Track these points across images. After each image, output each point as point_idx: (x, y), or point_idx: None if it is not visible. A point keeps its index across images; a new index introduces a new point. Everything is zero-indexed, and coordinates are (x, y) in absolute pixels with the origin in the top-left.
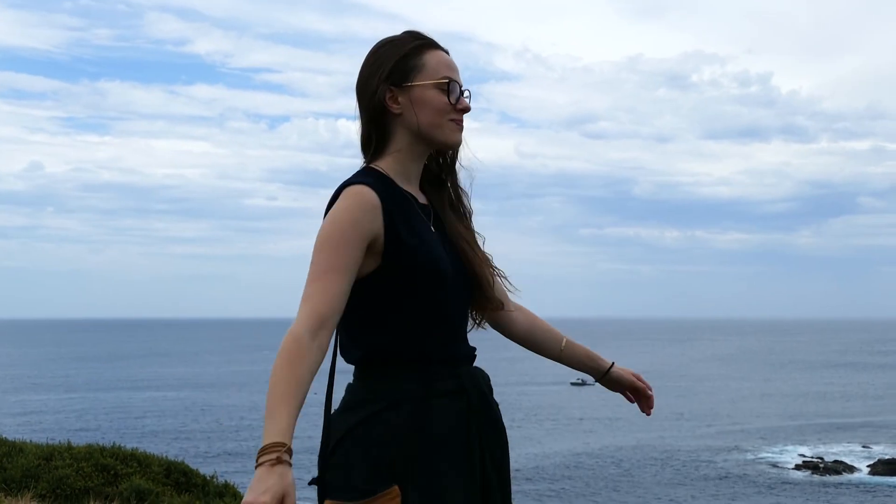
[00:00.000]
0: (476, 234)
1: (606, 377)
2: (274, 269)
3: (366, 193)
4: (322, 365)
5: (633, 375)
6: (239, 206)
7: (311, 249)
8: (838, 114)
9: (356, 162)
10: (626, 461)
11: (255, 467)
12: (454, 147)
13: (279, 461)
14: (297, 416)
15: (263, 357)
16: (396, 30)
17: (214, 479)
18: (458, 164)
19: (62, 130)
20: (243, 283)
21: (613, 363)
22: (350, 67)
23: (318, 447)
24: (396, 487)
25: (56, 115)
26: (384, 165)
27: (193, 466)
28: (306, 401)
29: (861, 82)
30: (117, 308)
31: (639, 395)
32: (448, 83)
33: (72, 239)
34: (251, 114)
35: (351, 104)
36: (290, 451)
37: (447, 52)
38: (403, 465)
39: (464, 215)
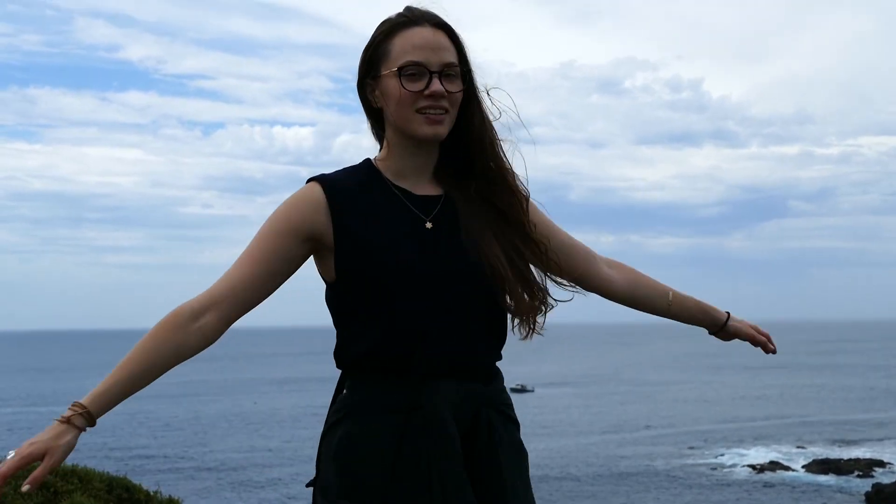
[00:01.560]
0: (527, 229)
1: (723, 330)
2: (210, 278)
3: (308, 189)
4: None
5: (752, 328)
6: (173, 214)
7: None
8: (767, 119)
9: (292, 169)
10: (565, 467)
11: None
12: (429, 140)
13: (67, 420)
14: (125, 387)
15: (204, 367)
16: (328, 35)
17: (158, 494)
18: (495, 154)
19: None
20: (178, 292)
21: (729, 314)
22: (284, 74)
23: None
24: None
25: None
26: (380, 157)
27: (136, 481)
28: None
29: (789, 88)
30: (49, 319)
31: (758, 345)
32: (401, 68)
33: (1, 249)
34: (185, 121)
35: (285, 111)
36: (87, 416)
37: (440, 24)
38: (341, 482)
39: (503, 210)
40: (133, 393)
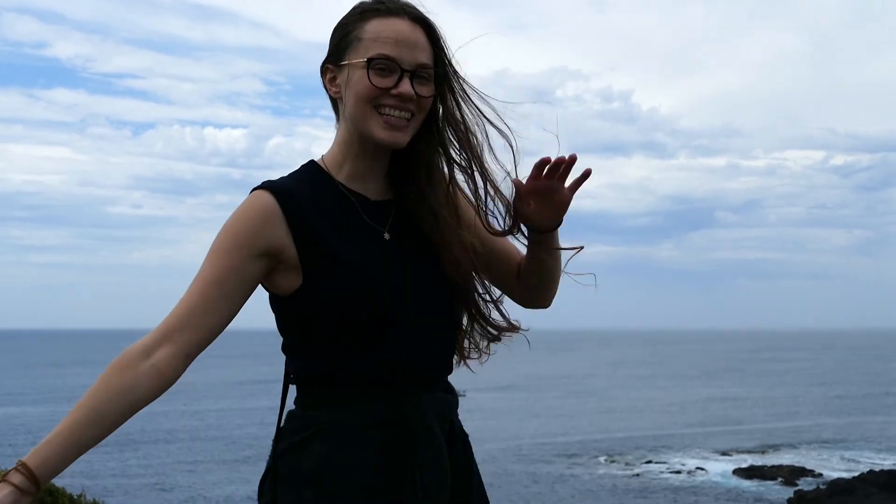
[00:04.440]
0: (471, 241)
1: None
2: (139, 279)
3: (259, 199)
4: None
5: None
6: (101, 213)
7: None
8: (696, 131)
9: (223, 171)
10: (488, 474)
11: None
12: (387, 147)
13: (3, 479)
14: (71, 439)
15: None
16: (262, 38)
17: (83, 497)
18: (483, 166)
19: None
20: (105, 292)
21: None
22: (216, 75)
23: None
24: None
25: None
26: (328, 157)
27: (59, 485)
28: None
29: (717, 102)
30: None
31: (551, 188)
32: (371, 60)
33: None
34: (114, 120)
35: (217, 112)
36: (24, 471)
37: (420, 19)
38: None
39: (458, 216)
40: (84, 446)
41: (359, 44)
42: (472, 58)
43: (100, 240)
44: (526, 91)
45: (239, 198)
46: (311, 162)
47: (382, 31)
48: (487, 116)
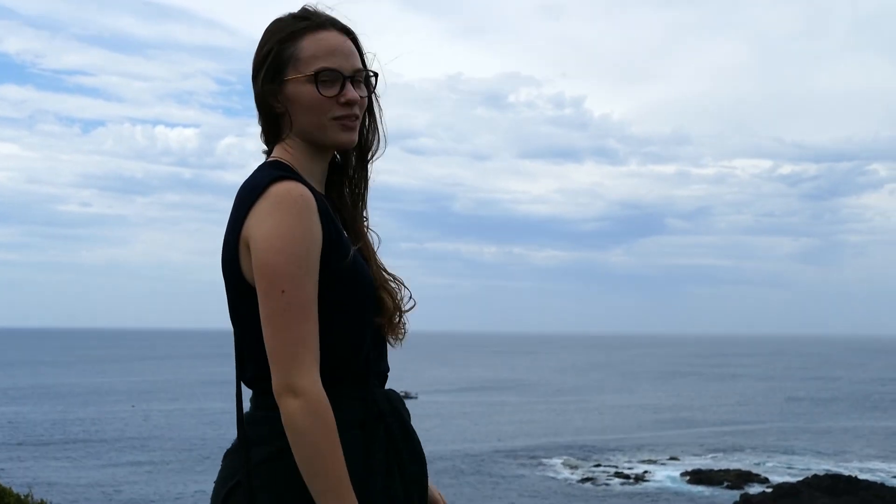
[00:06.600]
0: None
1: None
2: (87, 278)
3: (304, 194)
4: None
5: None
6: (50, 211)
7: (262, 268)
8: (646, 138)
9: (174, 170)
10: (436, 473)
11: None
12: (345, 148)
13: None
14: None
15: (79, 371)
16: (214, 37)
17: (30, 498)
18: (370, 160)
19: None
20: (53, 291)
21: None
22: (168, 74)
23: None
24: None
25: None
26: (290, 160)
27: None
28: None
29: (667, 110)
30: None
31: None
32: (316, 74)
33: None
34: (63, 117)
35: (169, 111)
36: None
37: (345, 29)
38: None
39: (366, 218)
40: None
41: (298, 60)
42: (425, 62)
43: (48, 238)
44: (479, 95)
45: (190, 197)
46: (278, 161)
47: (320, 46)
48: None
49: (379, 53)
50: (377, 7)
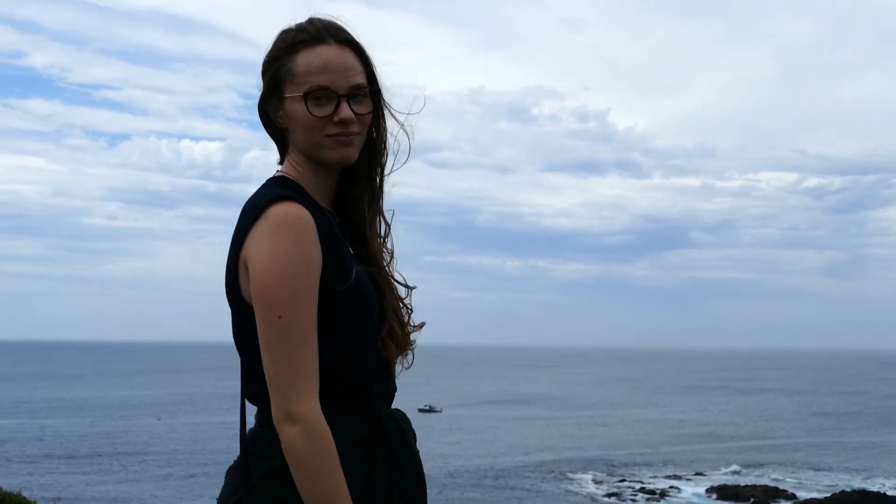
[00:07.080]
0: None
1: None
2: (112, 291)
3: (303, 216)
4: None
5: None
6: (77, 224)
7: (259, 292)
8: (670, 151)
9: (199, 183)
10: (462, 487)
11: None
12: (342, 164)
13: None
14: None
15: (105, 384)
16: (238, 51)
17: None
18: (384, 177)
19: None
20: (80, 304)
21: None
22: (192, 87)
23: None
24: None
25: None
26: (295, 176)
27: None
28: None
29: (691, 123)
30: None
31: None
32: (307, 93)
33: None
34: (90, 130)
35: (193, 125)
36: None
37: (348, 41)
38: None
39: (381, 235)
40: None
41: (293, 77)
42: (447, 75)
43: (74, 251)
44: (502, 108)
45: (215, 210)
46: (284, 177)
47: (313, 62)
48: (392, 134)
49: (399, 66)
50: (399, 21)
